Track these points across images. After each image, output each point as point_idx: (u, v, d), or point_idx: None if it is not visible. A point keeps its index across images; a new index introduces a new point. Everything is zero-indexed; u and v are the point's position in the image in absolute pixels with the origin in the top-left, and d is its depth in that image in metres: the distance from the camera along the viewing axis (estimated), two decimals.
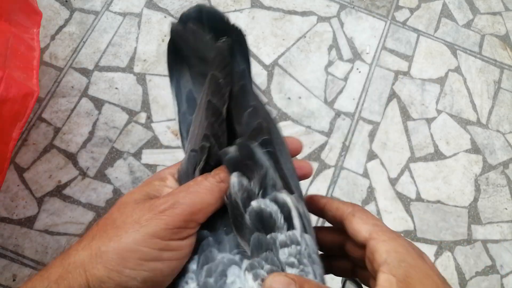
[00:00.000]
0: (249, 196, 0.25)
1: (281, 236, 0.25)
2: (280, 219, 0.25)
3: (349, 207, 0.28)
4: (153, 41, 1.09)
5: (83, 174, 0.96)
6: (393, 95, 1.10)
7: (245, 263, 0.24)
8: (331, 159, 1.02)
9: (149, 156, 0.99)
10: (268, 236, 0.25)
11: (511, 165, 1.07)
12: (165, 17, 1.12)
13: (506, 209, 1.03)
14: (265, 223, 0.25)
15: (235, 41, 0.29)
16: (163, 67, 1.06)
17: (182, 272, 0.25)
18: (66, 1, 1.11)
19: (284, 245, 0.25)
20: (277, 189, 0.26)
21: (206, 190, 0.25)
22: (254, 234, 0.24)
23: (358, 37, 1.15)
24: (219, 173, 0.26)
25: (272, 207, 0.25)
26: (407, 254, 0.25)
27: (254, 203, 0.25)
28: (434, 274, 0.25)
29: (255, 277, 0.23)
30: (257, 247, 0.24)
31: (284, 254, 0.24)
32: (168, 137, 1.01)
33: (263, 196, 0.25)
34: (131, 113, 1.02)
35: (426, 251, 0.98)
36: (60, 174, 0.96)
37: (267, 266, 0.24)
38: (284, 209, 0.26)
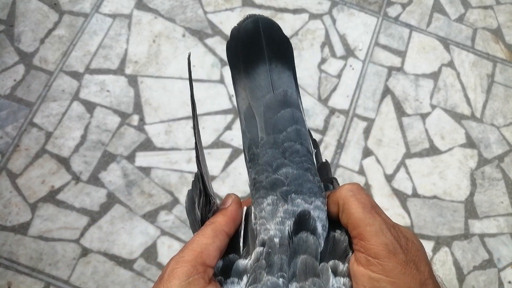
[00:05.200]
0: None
1: (340, 266, 0.25)
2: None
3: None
4: (144, 42, 1.08)
5: (76, 178, 0.95)
6: (387, 91, 1.10)
7: (292, 286, 0.24)
8: (327, 157, 1.02)
9: (142, 159, 0.98)
10: (322, 264, 0.25)
11: (506, 159, 1.07)
12: (155, 17, 1.11)
13: (502, 202, 1.04)
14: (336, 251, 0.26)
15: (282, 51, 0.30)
16: (155, 68, 1.05)
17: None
18: (55, 4, 1.10)
19: (339, 275, 0.25)
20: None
21: (198, 234, 0.26)
22: (301, 257, 0.25)
23: (350, 33, 1.14)
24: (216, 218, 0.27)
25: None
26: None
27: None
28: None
29: None
30: (304, 271, 0.24)
31: (336, 283, 0.24)
32: (162, 139, 1.00)
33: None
34: (124, 116, 1.01)
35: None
36: (53, 179, 0.94)
37: None
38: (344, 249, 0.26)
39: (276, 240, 0.25)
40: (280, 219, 0.26)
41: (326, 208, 0.27)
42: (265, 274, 0.24)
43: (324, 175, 0.32)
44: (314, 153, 0.30)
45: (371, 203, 0.26)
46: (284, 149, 0.28)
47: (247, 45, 0.30)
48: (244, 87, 0.30)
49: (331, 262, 0.25)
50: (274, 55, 0.30)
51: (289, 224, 0.26)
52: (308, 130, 0.31)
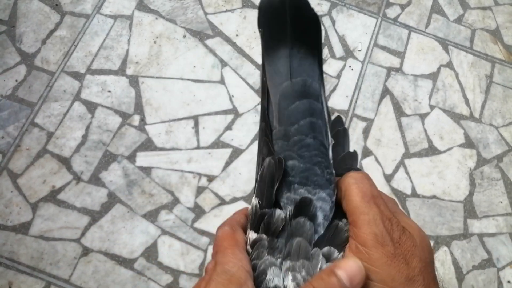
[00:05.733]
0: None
1: (335, 254, 0.25)
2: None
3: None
4: (145, 43, 1.09)
5: (77, 178, 0.95)
6: (386, 91, 1.10)
7: (285, 264, 0.25)
8: None
9: (143, 159, 0.98)
10: (314, 249, 0.25)
11: (505, 159, 1.08)
12: (156, 18, 1.12)
13: (501, 202, 1.04)
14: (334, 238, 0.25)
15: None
16: (156, 69, 1.06)
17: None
18: (57, 5, 1.11)
19: (332, 261, 0.25)
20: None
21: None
22: (297, 239, 0.25)
23: (349, 34, 1.15)
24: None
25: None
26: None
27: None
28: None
29: (294, 278, 0.24)
30: (298, 252, 0.25)
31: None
32: (162, 139, 1.00)
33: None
34: (125, 116, 1.01)
35: None
36: (54, 179, 0.95)
37: (303, 273, 0.24)
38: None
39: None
40: (282, 204, 0.26)
41: (333, 199, 0.27)
42: (266, 253, 0.25)
43: (348, 165, 0.32)
44: (331, 144, 0.29)
45: (372, 192, 0.26)
46: (294, 142, 0.27)
47: (270, 23, 0.27)
48: (265, 69, 0.28)
49: (325, 248, 0.25)
50: (297, 38, 0.27)
51: (290, 210, 0.26)
52: (335, 119, 0.30)
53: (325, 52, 1.13)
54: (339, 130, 0.32)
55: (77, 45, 1.07)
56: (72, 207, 0.93)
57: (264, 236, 0.26)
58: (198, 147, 1.00)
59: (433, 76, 1.14)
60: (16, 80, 1.02)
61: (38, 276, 0.88)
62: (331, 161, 0.28)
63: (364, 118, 1.07)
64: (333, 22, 1.16)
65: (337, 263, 0.24)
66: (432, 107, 1.11)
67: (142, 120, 1.01)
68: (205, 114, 1.03)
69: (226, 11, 1.14)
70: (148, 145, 0.99)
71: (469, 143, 1.08)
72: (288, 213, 0.26)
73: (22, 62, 1.04)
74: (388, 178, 1.03)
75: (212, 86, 1.06)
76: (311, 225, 0.25)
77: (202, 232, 0.94)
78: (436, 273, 0.99)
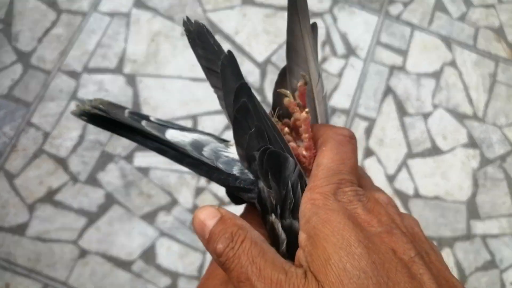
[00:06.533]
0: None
1: None
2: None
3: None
4: (142, 41, 1.07)
5: (74, 179, 0.94)
6: (388, 90, 1.09)
7: None
8: None
9: (141, 159, 0.97)
10: None
11: (508, 159, 1.06)
12: (154, 16, 1.10)
13: (504, 203, 1.03)
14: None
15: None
16: (153, 67, 1.04)
17: None
18: (53, 3, 1.09)
19: None
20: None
21: None
22: None
23: (351, 32, 1.13)
24: None
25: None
26: (321, 206, 0.21)
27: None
28: (347, 229, 0.19)
29: None
30: None
31: None
32: None
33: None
34: None
35: None
36: (50, 180, 0.94)
37: None
38: None
39: None
40: None
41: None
42: None
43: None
44: None
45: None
46: None
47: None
48: None
49: None
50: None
51: None
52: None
53: (327, 50, 1.11)
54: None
55: (74, 43, 1.05)
56: (69, 208, 0.92)
57: None
58: None
59: (436, 75, 1.12)
60: (12, 79, 1.01)
61: (35, 278, 0.87)
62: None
63: (366, 117, 1.06)
64: (335, 19, 1.14)
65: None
66: (435, 107, 1.09)
67: None
68: (204, 114, 1.02)
69: (226, 8, 1.12)
70: None
71: (472, 143, 1.07)
72: None
73: (18, 61, 1.03)
74: (391, 178, 1.01)
75: None
76: None
77: None
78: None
